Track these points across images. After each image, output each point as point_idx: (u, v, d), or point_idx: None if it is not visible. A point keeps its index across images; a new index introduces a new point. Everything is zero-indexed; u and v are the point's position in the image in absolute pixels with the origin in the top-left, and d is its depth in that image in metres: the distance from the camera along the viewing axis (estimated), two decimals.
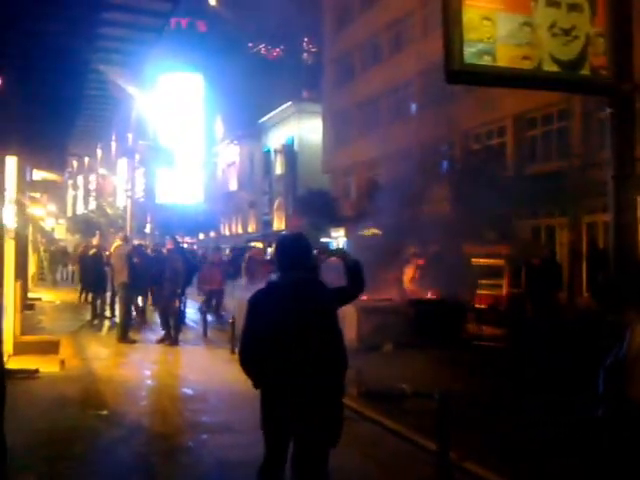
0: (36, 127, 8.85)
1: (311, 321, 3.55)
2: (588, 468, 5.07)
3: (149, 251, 14.92)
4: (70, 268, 28.10)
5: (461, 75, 4.14)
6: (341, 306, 4.74)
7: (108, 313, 14.36)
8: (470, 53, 4.16)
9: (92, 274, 14.56)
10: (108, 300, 14.43)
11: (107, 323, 13.78)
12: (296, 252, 3.66)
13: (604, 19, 4.39)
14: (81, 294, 18.01)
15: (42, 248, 27.92)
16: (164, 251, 12.58)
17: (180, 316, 11.80)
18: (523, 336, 10.70)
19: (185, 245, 44.62)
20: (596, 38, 4.43)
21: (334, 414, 3.63)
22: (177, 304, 11.47)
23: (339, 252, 4.59)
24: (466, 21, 4.11)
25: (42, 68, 6.60)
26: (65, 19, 5.47)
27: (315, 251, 4.05)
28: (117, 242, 12.62)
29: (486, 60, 4.19)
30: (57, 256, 28.87)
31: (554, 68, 4.39)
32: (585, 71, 4.43)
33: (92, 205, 71.10)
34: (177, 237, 14.91)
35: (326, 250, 4.73)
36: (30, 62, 6.40)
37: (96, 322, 13.93)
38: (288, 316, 3.52)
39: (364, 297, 8.77)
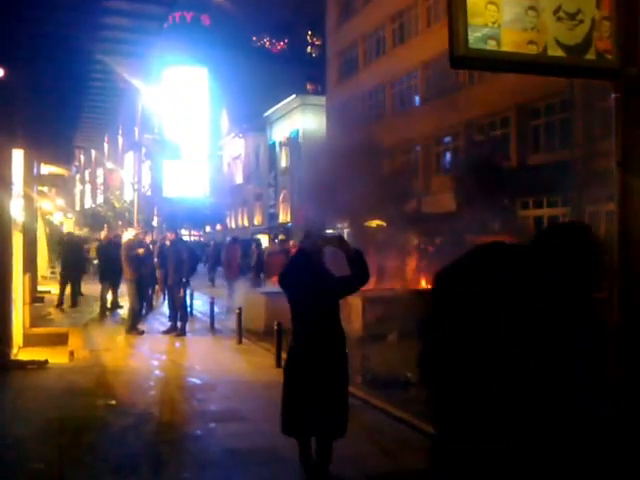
0: (41, 118, 8.87)
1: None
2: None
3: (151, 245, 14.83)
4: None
5: (466, 60, 4.09)
6: (346, 295, 4.75)
7: (117, 304, 14.40)
8: (475, 38, 4.11)
9: (108, 266, 14.36)
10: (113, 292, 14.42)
11: (115, 314, 13.83)
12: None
13: (610, 2, 4.35)
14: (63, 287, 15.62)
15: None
16: (167, 243, 12.57)
17: (185, 305, 11.81)
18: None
19: (192, 237, 44.91)
20: (602, 22, 4.37)
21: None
22: (182, 294, 11.51)
23: (334, 240, 4.51)
24: (471, 5, 4.06)
25: (46, 58, 6.60)
26: (68, 8, 5.48)
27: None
28: (128, 237, 12.57)
29: (491, 45, 4.14)
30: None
31: (559, 53, 4.33)
32: (590, 55, 4.37)
33: (100, 199, 71.34)
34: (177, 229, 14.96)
35: (321, 238, 4.64)
36: (34, 52, 6.39)
37: (104, 314, 13.95)
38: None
39: (369, 287, 8.80)
